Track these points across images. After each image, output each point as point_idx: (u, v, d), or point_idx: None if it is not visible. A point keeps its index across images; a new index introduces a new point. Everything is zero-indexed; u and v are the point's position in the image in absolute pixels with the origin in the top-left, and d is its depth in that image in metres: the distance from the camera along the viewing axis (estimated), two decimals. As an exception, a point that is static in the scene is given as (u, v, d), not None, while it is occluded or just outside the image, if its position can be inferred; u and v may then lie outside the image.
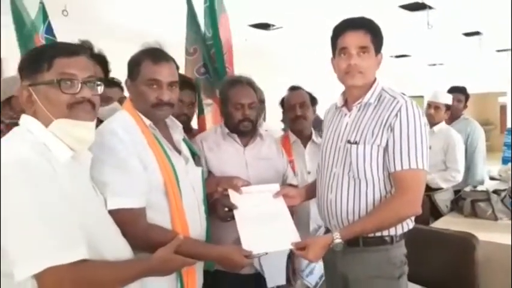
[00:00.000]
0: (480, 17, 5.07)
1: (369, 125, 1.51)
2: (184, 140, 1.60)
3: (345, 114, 1.62)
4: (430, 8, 4.51)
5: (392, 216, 1.46)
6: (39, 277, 0.97)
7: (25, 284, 0.98)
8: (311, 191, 1.79)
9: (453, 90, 3.63)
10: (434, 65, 8.81)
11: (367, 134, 1.50)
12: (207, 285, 1.59)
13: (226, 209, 1.63)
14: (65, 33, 2.37)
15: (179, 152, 1.52)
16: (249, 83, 1.92)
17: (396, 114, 1.45)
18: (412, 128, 1.44)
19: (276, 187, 1.71)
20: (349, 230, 1.48)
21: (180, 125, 1.59)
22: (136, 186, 1.32)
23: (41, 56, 1.11)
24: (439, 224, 2.73)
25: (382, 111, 1.50)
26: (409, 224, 1.56)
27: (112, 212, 1.25)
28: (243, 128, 1.88)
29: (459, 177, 3.10)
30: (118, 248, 1.20)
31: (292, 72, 6.50)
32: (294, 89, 2.41)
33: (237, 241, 1.50)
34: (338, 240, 1.43)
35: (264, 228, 1.54)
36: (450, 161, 3.11)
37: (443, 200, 3.15)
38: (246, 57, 5.89)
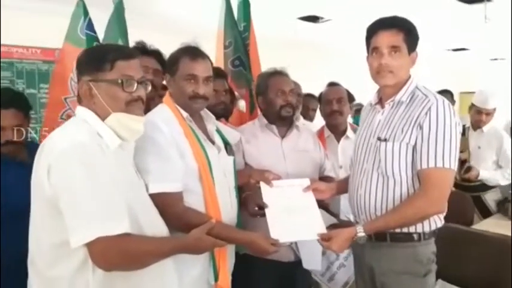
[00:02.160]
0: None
1: (399, 123, 1.54)
2: (217, 130, 1.72)
3: (378, 112, 1.65)
4: (488, 0, 4.29)
5: (415, 213, 1.48)
6: (90, 245, 1.12)
7: (78, 252, 1.14)
8: (343, 186, 1.83)
9: None
10: (495, 59, 8.32)
11: (396, 131, 1.53)
12: (238, 266, 1.70)
13: (256, 208, 1.71)
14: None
15: (212, 141, 1.63)
16: (286, 74, 2.02)
17: (426, 113, 1.47)
18: (441, 127, 1.44)
19: (307, 181, 1.77)
20: (372, 225, 1.52)
21: (213, 117, 1.70)
22: (174, 173, 1.45)
23: (103, 56, 1.26)
24: (482, 226, 2.67)
25: (414, 109, 1.52)
26: (437, 222, 1.57)
27: (153, 196, 1.39)
28: (285, 113, 1.96)
29: None
30: (156, 226, 1.34)
31: (341, 65, 6.44)
32: (332, 84, 2.45)
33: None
34: (361, 234, 1.48)
35: (292, 219, 1.61)
36: (503, 160, 3.06)
37: (494, 200, 3.14)
38: (294, 50, 5.95)
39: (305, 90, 3.34)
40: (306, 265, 1.89)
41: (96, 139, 1.21)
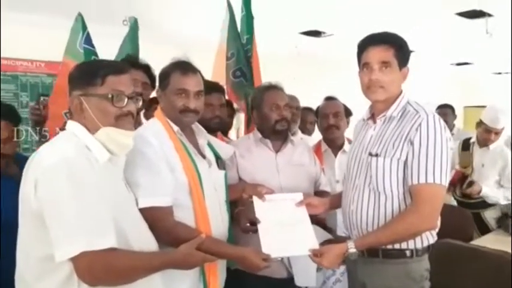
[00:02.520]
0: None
1: (390, 138, 1.53)
2: (209, 144, 1.72)
3: (371, 127, 1.65)
4: (489, 15, 4.30)
5: (407, 229, 1.46)
6: (75, 260, 1.12)
7: (64, 266, 1.14)
8: (336, 201, 1.82)
9: None
10: (499, 73, 8.31)
11: (388, 147, 1.52)
12: (229, 282, 1.69)
13: (248, 224, 1.71)
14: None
15: (203, 155, 1.64)
16: (281, 89, 2.03)
17: (417, 128, 1.46)
18: (431, 143, 1.44)
19: (300, 196, 1.76)
20: (363, 240, 1.51)
21: (205, 131, 1.71)
22: (164, 187, 1.45)
23: (94, 72, 1.28)
24: (481, 242, 2.63)
25: (405, 125, 1.51)
26: (429, 239, 1.55)
27: (143, 210, 1.39)
28: (280, 127, 1.95)
29: None
30: (145, 241, 1.33)
31: (343, 79, 6.46)
32: (329, 99, 2.46)
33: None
34: (352, 250, 1.47)
35: (284, 234, 1.61)
36: (506, 181, 3.02)
37: (493, 218, 3.09)
38: (297, 64, 5.98)
39: (307, 104, 3.34)
40: (298, 282, 1.87)
41: (84, 153, 1.22)
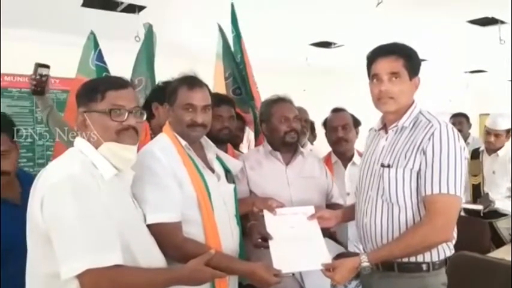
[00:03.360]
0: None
1: (402, 149, 1.51)
2: (218, 158, 1.71)
3: (382, 137, 1.63)
4: (502, 22, 4.25)
5: (421, 241, 1.42)
6: (80, 277, 1.11)
7: (71, 283, 1.13)
8: (349, 213, 1.79)
9: None
10: (514, 80, 8.20)
11: (400, 157, 1.50)
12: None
13: (260, 239, 1.68)
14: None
15: (212, 169, 1.63)
16: (290, 101, 2.02)
17: (429, 138, 1.44)
18: (445, 152, 1.41)
19: (311, 209, 1.74)
20: (377, 254, 1.47)
21: (213, 145, 1.70)
22: (172, 202, 1.44)
23: (95, 88, 1.30)
24: (498, 254, 2.56)
25: (417, 134, 1.49)
26: (446, 251, 1.51)
27: (151, 226, 1.38)
28: (290, 139, 1.94)
29: None
30: (152, 257, 1.32)
31: (355, 90, 6.43)
32: (337, 110, 2.43)
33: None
34: (365, 264, 1.44)
35: (296, 249, 1.58)
36: None
37: (506, 228, 3.01)
38: (307, 76, 5.97)
39: (319, 116, 3.32)
40: None
41: (90, 170, 1.22)
